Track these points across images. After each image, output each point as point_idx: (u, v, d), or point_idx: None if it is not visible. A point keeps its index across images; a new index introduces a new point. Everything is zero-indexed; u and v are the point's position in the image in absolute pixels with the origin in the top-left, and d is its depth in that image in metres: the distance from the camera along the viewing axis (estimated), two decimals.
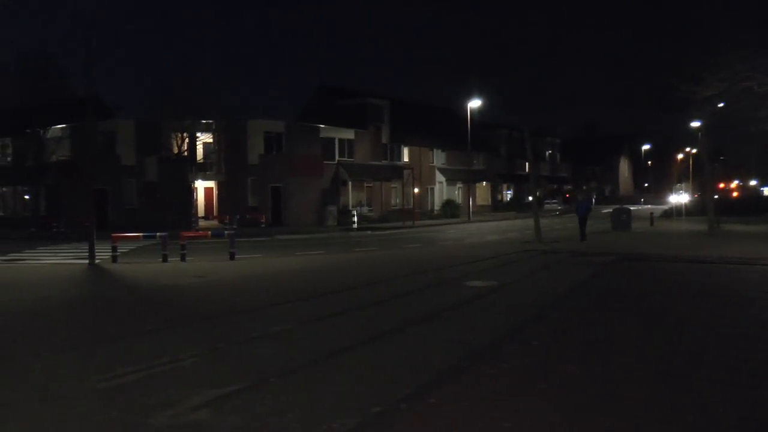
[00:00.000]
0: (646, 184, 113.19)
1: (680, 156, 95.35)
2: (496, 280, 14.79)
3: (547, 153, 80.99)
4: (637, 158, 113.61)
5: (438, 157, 58.94)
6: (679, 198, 63.48)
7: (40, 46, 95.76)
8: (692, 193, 75.12)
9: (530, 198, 46.26)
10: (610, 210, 38.56)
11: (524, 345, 8.41)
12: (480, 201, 63.73)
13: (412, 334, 9.15)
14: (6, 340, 9.04)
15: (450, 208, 55.47)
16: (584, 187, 75.46)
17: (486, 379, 6.72)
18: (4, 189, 48.72)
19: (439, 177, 58.66)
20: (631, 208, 37.84)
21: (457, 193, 60.70)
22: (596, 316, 10.64)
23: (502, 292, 13.30)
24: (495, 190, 69.06)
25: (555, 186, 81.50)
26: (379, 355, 7.88)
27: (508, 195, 72.56)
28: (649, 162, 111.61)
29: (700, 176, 64.58)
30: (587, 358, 7.66)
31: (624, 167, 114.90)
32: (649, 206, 63.95)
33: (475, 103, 49.14)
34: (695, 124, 36.30)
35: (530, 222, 30.61)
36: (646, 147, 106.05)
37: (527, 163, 43.72)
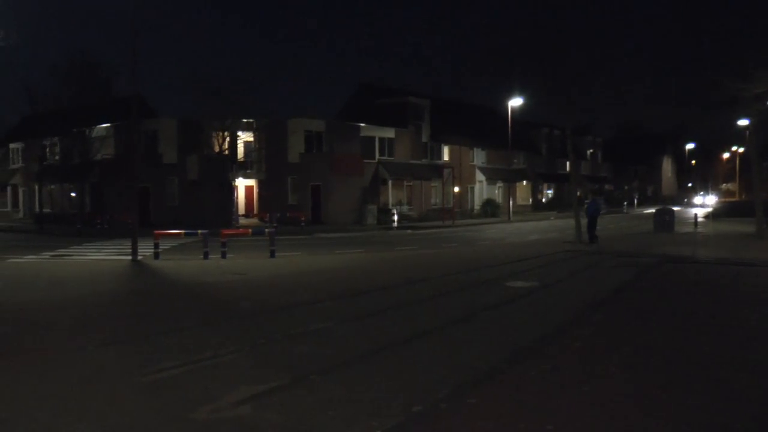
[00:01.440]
0: (689, 184, 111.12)
1: (726, 155, 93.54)
2: (537, 281, 14.64)
3: (588, 152, 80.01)
4: (680, 157, 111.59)
5: (478, 156, 58.60)
6: (704, 201, 64.14)
7: (87, 48, 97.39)
8: (718, 197, 76.18)
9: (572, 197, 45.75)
10: (653, 211, 37.98)
11: (566, 346, 8.30)
12: (520, 200, 63.24)
13: (452, 334, 9.09)
14: (53, 333, 9.19)
15: (490, 208, 55.13)
16: (596, 186, 73.78)
17: (527, 380, 6.64)
18: (51, 187, 49.76)
19: (479, 176, 58.32)
20: (675, 209, 37.23)
21: (497, 193, 60.31)
22: (640, 318, 10.45)
23: (543, 293, 13.17)
24: (535, 190, 68.48)
25: (596, 185, 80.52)
26: (419, 355, 7.83)
27: (549, 194, 71.89)
28: (693, 161, 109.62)
29: (747, 176, 62.97)
30: (630, 361, 7.51)
31: (667, 167, 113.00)
32: (695, 207, 63.17)
33: (516, 102, 48.71)
34: (743, 122, 35.54)
35: (571, 222, 30.26)
36: (690, 146, 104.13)
37: (568, 162, 43.16)
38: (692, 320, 10.25)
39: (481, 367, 7.14)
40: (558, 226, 40.75)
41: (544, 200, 69.86)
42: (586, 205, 27.49)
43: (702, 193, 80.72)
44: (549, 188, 72.29)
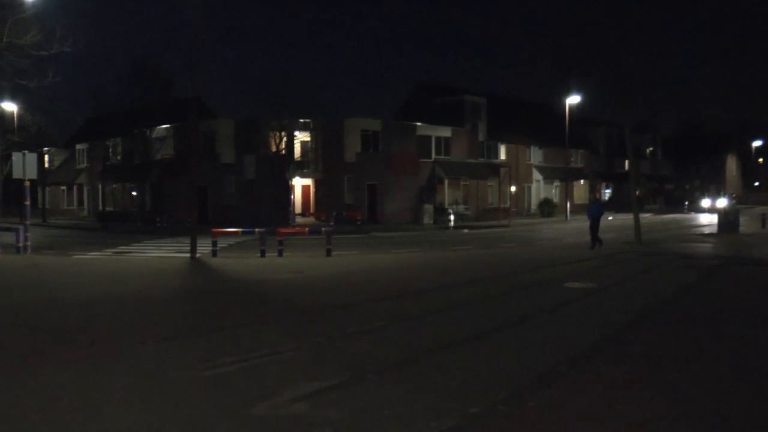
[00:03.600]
0: (756, 183, 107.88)
1: None
2: (595, 282, 14.36)
3: (647, 150, 78.33)
4: (746, 156, 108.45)
5: (535, 155, 57.98)
6: (718, 204, 57.73)
7: (149, 52, 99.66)
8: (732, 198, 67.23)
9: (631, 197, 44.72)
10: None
11: (625, 350, 8.08)
12: (577, 200, 62.27)
13: (509, 335, 8.97)
14: (115, 328, 9.35)
15: (547, 207, 54.50)
16: (656, 186, 71.64)
17: (586, 384, 6.48)
18: (114, 186, 50.99)
19: (536, 175, 57.72)
20: (739, 208, 36.20)
21: (554, 192, 59.61)
22: (703, 322, 10.12)
23: (601, 295, 12.89)
24: (593, 189, 67.41)
25: (656, 185, 78.81)
26: (477, 356, 7.73)
27: (607, 194, 70.70)
28: (760, 159, 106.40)
29: None
30: (693, 367, 7.26)
31: (731, 165, 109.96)
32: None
33: (573, 99, 47.85)
34: None
35: (630, 222, 29.66)
36: (757, 143, 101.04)
37: (627, 161, 42.35)
38: (759, 324, 9.91)
39: (539, 369, 7.00)
40: (616, 226, 39.97)
41: (602, 200, 68.72)
42: (589, 207, 26.20)
43: (717, 195, 72.60)
44: (607, 187, 71.08)
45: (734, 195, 71.86)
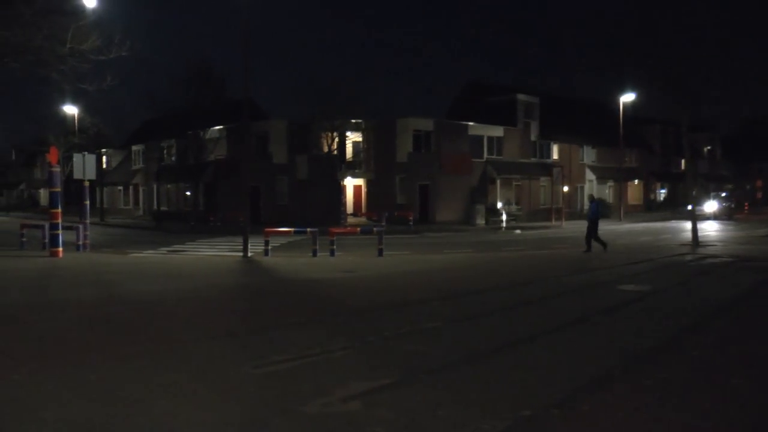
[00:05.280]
0: None
1: None
2: (650, 285, 14.07)
3: (705, 149, 76.59)
4: None
5: (588, 154, 57.25)
6: (705, 206, 50.58)
7: (203, 54, 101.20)
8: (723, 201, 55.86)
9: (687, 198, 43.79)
10: None
11: (683, 355, 7.88)
12: (632, 200, 61.31)
13: (562, 338, 8.82)
14: (170, 325, 9.49)
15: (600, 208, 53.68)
16: (713, 185, 68.67)
17: (641, 389, 6.30)
18: (168, 186, 51.93)
19: (589, 175, 56.99)
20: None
21: (607, 192, 58.74)
22: (765, 327, 9.86)
23: (657, 298, 12.60)
24: (648, 189, 66.17)
25: (714, 185, 76.98)
26: (529, 358, 7.63)
27: (662, 194, 69.39)
28: None
29: None
30: (754, 374, 7.02)
31: None
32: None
33: (627, 97, 46.98)
34: None
35: (686, 224, 29.09)
36: None
37: (683, 161, 41.36)
38: None
39: (593, 373, 6.87)
40: (671, 227, 39.30)
41: (657, 200, 67.42)
42: (589, 209, 24.53)
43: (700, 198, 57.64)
44: (662, 188, 69.77)
45: (732, 196, 63.03)
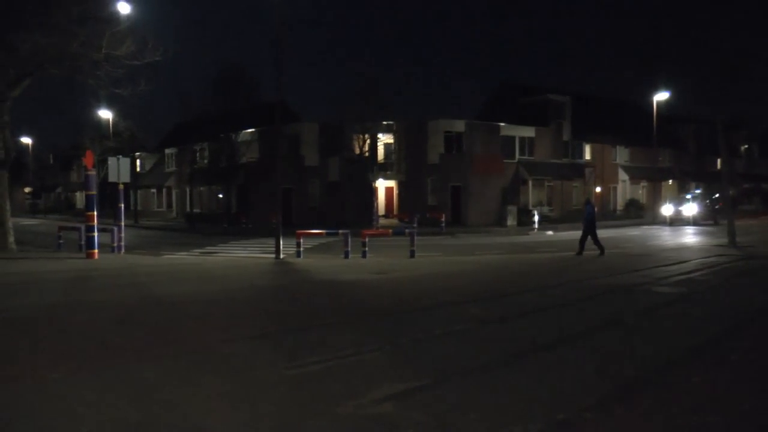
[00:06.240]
0: None
1: None
2: (686, 287, 13.87)
3: (742, 148, 75.24)
4: None
5: (621, 155, 56.65)
6: (683, 209, 43.52)
7: (234, 57, 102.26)
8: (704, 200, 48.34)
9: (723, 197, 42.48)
10: None
11: (721, 359, 7.73)
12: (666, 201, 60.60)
13: (597, 340, 8.74)
14: (204, 326, 9.57)
15: (633, 208, 53.17)
16: (750, 186, 66.64)
17: (678, 393, 6.21)
18: (201, 188, 52.42)
19: (622, 175, 56.39)
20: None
21: (640, 193, 58.13)
22: None
23: (693, 300, 12.40)
24: (682, 189, 65.26)
25: (751, 185, 75.64)
26: (563, 361, 7.56)
27: (696, 194, 68.32)
28: None
29: None
30: None
31: None
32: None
33: (661, 96, 46.38)
34: None
35: (722, 224, 28.64)
36: None
37: (720, 160, 40.61)
38: None
39: (628, 376, 6.79)
40: (707, 228, 38.75)
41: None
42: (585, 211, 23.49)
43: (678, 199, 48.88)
44: (697, 187, 68.78)
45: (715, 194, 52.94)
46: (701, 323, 9.90)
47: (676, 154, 62.73)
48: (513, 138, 46.84)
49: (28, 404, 5.83)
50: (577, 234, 23.06)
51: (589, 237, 22.36)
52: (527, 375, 6.86)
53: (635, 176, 56.72)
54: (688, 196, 47.18)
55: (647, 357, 7.68)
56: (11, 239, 23.25)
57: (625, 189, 56.47)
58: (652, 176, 55.54)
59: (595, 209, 23.60)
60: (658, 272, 16.84)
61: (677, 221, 41.80)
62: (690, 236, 32.11)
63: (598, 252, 21.98)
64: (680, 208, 43.87)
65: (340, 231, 22.75)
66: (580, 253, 22.06)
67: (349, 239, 21.58)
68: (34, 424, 5.35)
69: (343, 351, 7.74)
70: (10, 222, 23.59)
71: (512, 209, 43.66)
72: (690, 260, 19.68)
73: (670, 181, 62.11)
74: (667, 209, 44.86)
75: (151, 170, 65.57)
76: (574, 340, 8.65)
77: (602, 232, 25.97)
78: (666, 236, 32.79)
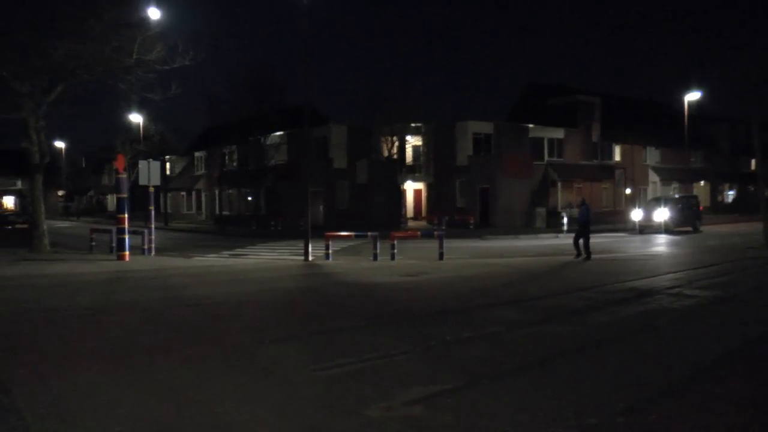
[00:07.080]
0: None
1: None
2: (719, 290, 13.67)
3: None
4: None
5: (651, 156, 55.99)
6: (655, 213, 36.63)
7: (263, 61, 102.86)
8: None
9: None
10: None
11: (755, 364, 7.64)
12: None
13: (628, 345, 8.66)
14: (234, 328, 9.65)
15: None
16: (720, 188, 64.66)
17: (712, 398, 6.15)
18: (230, 191, 52.76)
19: (653, 176, 55.76)
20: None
21: (672, 194, 57.48)
22: None
23: (726, 303, 12.22)
24: (714, 191, 64.29)
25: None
26: (595, 365, 7.50)
27: (730, 196, 67.46)
28: None
29: None
30: None
31: None
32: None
33: (692, 96, 45.81)
34: None
35: (756, 226, 28.20)
36: None
37: (754, 160, 39.91)
38: None
39: (659, 381, 6.71)
40: (741, 230, 38.13)
41: (724, 202, 65.52)
42: (579, 212, 22.51)
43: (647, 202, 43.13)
44: (730, 189, 67.80)
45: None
46: (735, 327, 9.77)
47: (708, 154, 61.87)
48: (542, 139, 46.54)
49: (63, 402, 5.94)
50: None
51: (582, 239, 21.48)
52: (558, 379, 6.83)
53: (666, 177, 56.03)
54: (659, 199, 41.58)
55: (680, 361, 7.59)
56: (46, 241, 23.66)
57: (655, 190, 55.79)
58: (683, 177, 54.86)
59: (590, 211, 22.64)
60: (691, 275, 16.62)
61: (647, 228, 37.24)
62: (654, 246, 31.55)
63: (575, 254, 21.32)
64: (651, 214, 37.61)
65: (369, 233, 22.74)
66: (578, 255, 21.33)
67: (378, 241, 21.60)
68: (68, 423, 5.45)
69: (373, 353, 7.77)
70: (45, 225, 23.97)
71: (541, 211, 43.35)
72: (723, 262, 19.36)
73: (702, 183, 61.33)
74: (636, 214, 38.97)
75: (180, 173, 66.17)
76: (605, 344, 8.60)
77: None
78: (726, 233, 32.35)
